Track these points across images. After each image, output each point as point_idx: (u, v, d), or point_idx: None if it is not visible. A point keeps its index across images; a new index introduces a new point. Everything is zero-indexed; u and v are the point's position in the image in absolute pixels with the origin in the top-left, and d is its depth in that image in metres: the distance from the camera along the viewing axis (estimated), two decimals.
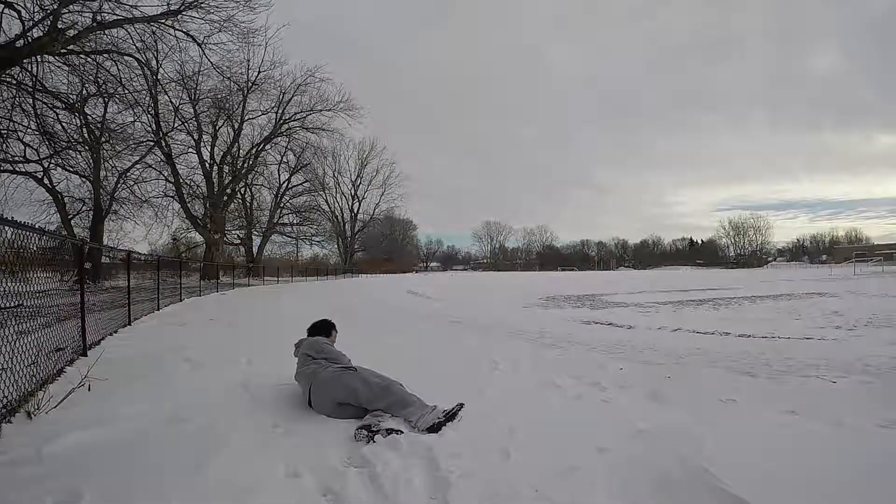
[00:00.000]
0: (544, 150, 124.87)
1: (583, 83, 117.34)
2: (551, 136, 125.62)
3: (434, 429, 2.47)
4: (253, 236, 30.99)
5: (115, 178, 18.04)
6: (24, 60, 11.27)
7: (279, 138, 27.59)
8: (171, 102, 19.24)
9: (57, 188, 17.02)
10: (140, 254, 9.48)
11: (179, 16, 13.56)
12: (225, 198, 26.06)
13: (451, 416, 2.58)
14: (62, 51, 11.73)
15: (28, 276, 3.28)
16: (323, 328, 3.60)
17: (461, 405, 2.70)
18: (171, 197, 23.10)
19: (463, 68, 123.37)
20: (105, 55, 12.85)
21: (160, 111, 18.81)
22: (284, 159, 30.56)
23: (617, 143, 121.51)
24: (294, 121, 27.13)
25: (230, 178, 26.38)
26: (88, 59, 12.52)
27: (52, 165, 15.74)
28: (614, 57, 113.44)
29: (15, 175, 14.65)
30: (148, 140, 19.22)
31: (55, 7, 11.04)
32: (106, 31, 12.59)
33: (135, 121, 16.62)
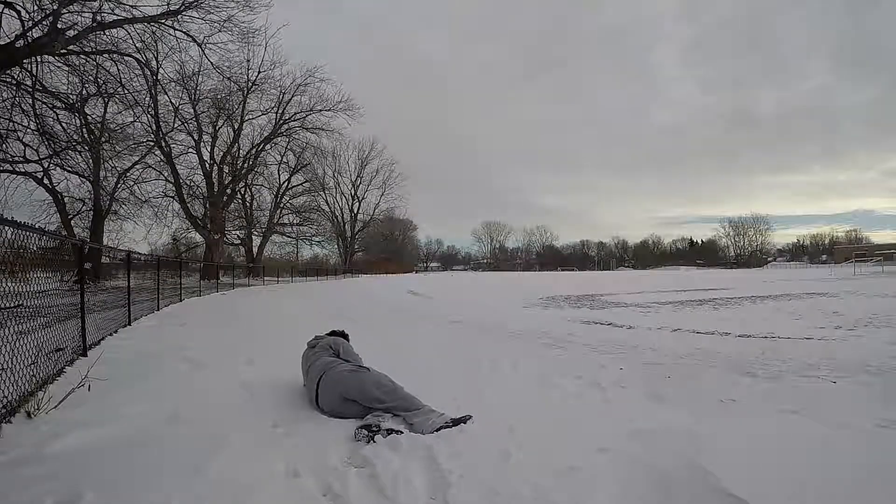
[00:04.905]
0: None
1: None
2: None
3: (437, 431, 2.46)
4: (253, 236, 31.02)
5: (115, 179, 18.03)
6: (24, 60, 11.26)
7: (279, 138, 27.62)
8: (171, 102, 19.27)
9: (57, 188, 17.01)
10: (140, 254, 9.48)
11: (179, 16, 13.57)
12: (225, 198, 26.06)
13: (457, 423, 2.54)
14: (62, 51, 11.73)
15: (28, 276, 3.28)
16: (339, 336, 3.68)
17: (469, 417, 2.61)
18: (171, 197, 23.12)
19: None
20: (105, 55, 12.83)
21: (160, 111, 18.83)
22: (284, 159, 30.61)
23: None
24: (294, 121, 27.16)
25: (230, 178, 26.39)
26: (88, 59, 12.52)
27: (51, 165, 15.72)
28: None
29: (15, 175, 14.62)
30: (148, 140, 19.23)
31: (55, 7, 11.03)
32: (106, 32, 12.57)
33: (135, 121, 16.63)
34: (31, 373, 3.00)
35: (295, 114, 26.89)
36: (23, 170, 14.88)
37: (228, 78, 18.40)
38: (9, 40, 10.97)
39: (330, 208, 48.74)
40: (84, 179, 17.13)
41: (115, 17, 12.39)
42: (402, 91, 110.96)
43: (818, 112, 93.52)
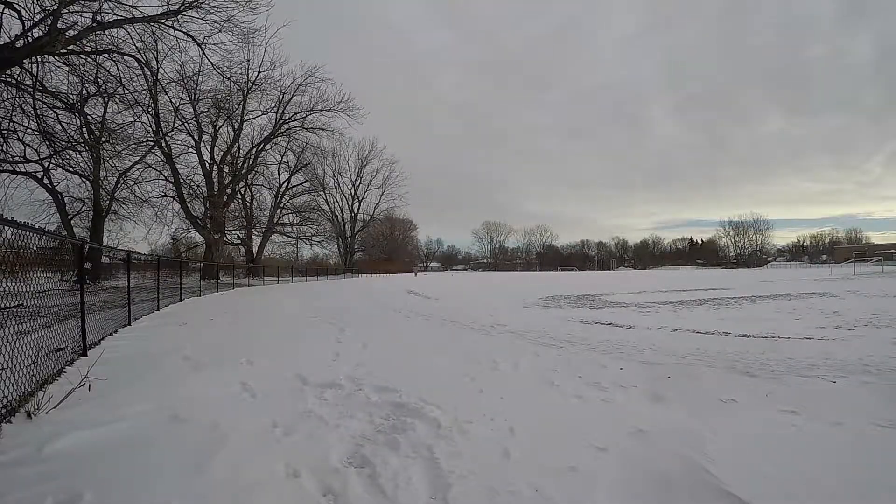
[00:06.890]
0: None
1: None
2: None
3: None
4: (253, 236, 31.01)
5: (115, 178, 18.03)
6: (24, 60, 11.26)
7: (279, 138, 27.59)
8: (171, 102, 19.25)
9: (57, 188, 17.02)
10: (140, 254, 9.48)
11: (179, 16, 13.53)
12: (225, 198, 26.04)
13: None
14: (62, 51, 11.72)
15: (28, 276, 3.28)
16: None
17: None
18: (171, 197, 23.11)
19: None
20: (105, 55, 12.83)
21: (160, 111, 18.79)
22: (284, 159, 30.61)
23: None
24: (294, 121, 27.12)
25: (230, 178, 26.38)
26: (88, 59, 12.51)
27: (52, 165, 15.74)
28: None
29: (15, 175, 14.63)
30: (148, 140, 19.20)
31: (55, 7, 11.03)
32: (106, 32, 12.56)
33: (135, 121, 16.59)
34: (32, 373, 3.00)
35: (295, 114, 26.87)
36: (23, 170, 14.89)
37: (228, 78, 18.34)
38: (9, 40, 10.97)
39: (330, 208, 48.75)
40: (84, 179, 17.15)
41: (115, 17, 12.38)
42: (403, 95, 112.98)
43: (781, 146, 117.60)
